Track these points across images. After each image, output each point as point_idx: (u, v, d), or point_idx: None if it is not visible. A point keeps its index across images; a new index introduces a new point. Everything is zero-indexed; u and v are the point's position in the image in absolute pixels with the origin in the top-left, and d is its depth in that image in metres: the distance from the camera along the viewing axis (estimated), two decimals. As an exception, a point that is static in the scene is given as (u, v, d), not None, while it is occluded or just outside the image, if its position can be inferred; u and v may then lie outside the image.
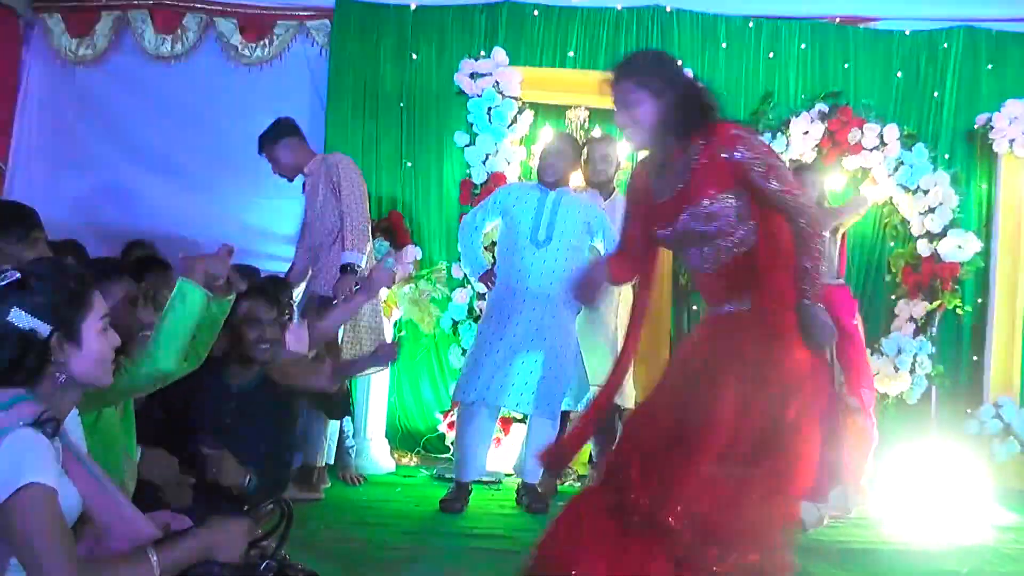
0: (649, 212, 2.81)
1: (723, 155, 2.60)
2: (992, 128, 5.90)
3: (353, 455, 4.93)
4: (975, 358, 6.01)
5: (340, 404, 4.50)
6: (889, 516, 4.69)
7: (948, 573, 3.73)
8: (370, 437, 5.13)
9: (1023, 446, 5.70)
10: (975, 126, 6.07)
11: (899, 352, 5.65)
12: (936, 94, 6.19)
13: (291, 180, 4.88)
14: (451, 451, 5.07)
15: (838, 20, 6.29)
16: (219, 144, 5.56)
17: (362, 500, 4.47)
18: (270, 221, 5.83)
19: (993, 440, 5.65)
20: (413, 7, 5.96)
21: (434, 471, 5.15)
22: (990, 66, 6.18)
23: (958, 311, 5.78)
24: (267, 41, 5.95)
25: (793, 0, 6.22)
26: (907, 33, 6.23)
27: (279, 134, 4.74)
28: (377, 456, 5.12)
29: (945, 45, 6.20)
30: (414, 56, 5.96)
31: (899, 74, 6.21)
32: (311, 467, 4.46)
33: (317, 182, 4.73)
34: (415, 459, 5.51)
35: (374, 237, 5.20)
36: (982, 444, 5.60)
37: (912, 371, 5.64)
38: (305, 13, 5.99)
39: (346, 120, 5.92)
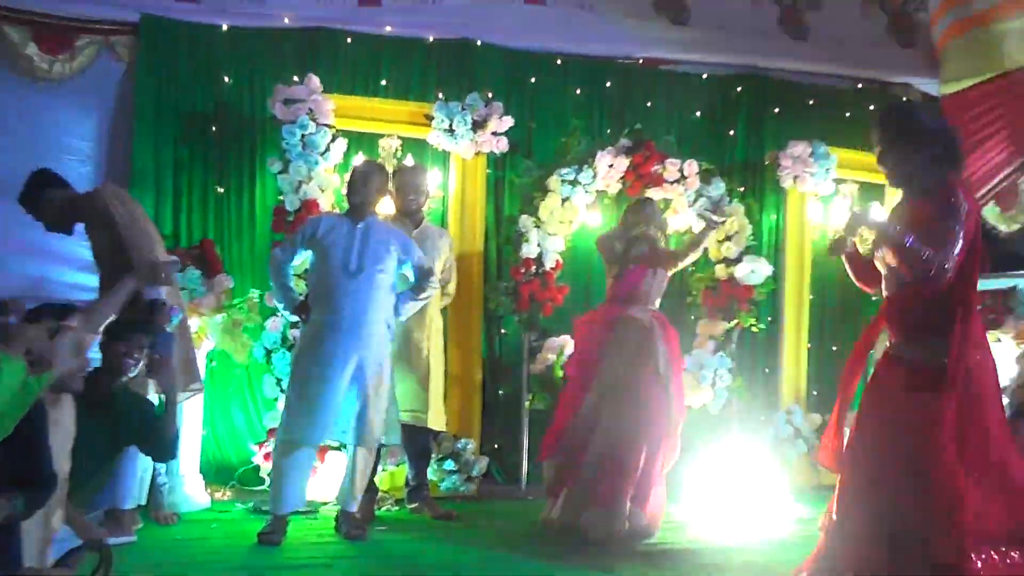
0: None
1: None
2: (779, 165, 6.47)
3: (166, 493, 4.68)
4: (768, 371, 6.56)
5: (169, 445, 4.23)
6: (696, 518, 5.06)
7: (747, 564, 4.08)
8: (183, 473, 4.89)
9: (810, 447, 6.28)
10: (765, 163, 6.63)
11: (701, 367, 6.04)
12: (731, 133, 6.76)
13: (69, 233, 4.57)
14: (267, 483, 4.95)
15: (641, 62, 6.69)
16: (13, 166, 5.00)
17: (177, 539, 4.28)
18: (71, 248, 5.38)
19: (785, 443, 6.23)
20: (224, 28, 5.83)
21: (250, 504, 5.00)
22: (776, 110, 6.82)
23: (753, 329, 6.25)
24: (68, 55, 5.63)
25: (599, 42, 6.58)
26: (704, 77, 6.79)
27: (38, 189, 4.42)
28: (191, 492, 4.90)
29: (738, 90, 6.81)
30: (226, 79, 5.83)
31: (697, 114, 6.70)
32: (119, 510, 4.18)
33: (89, 221, 4.46)
34: (230, 493, 5.32)
35: (185, 266, 5.02)
36: (776, 447, 6.17)
37: (713, 384, 6.05)
38: (109, 27, 5.71)
39: (154, 143, 5.69)
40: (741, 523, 4.95)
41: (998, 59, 6.27)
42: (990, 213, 6.89)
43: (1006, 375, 6.06)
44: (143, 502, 4.51)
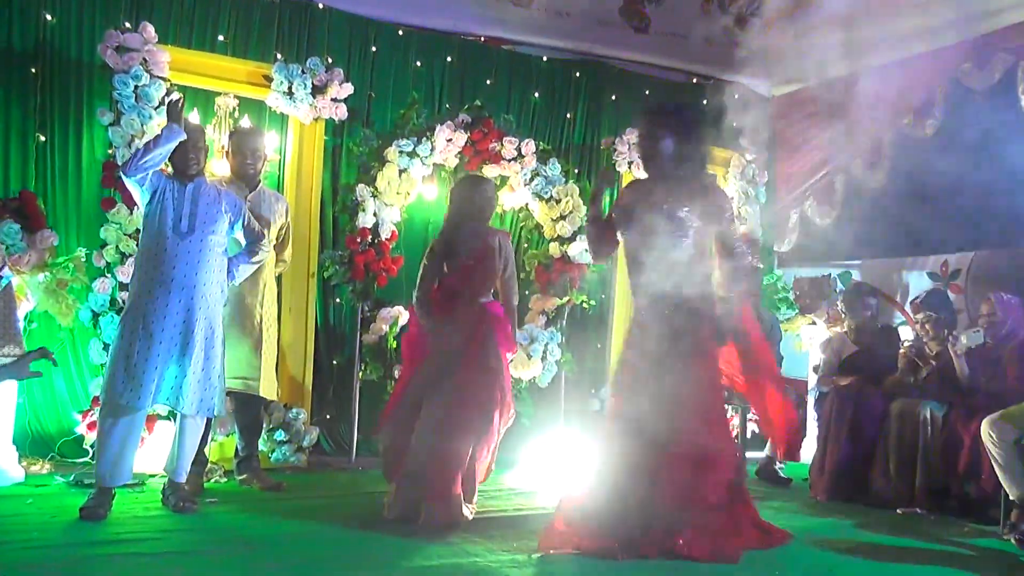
0: None
1: None
2: (615, 150, 6.71)
3: (-29, 467, 4.35)
4: (599, 346, 6.83)
5: None
6: (522, 486, 5.23)
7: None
8: (-7, 444, 4.56)
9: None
10: (601, 147, 6.86)
11: (532, 341, 6.20)
12: (569, 116, 6.95)
13: None
14: (90, 455, 4.67)
15: (483, 39, 6.74)
16: None
17: (-19, 518, 3.94)
18: None
19: (611, 415, 6.50)
20: (45, -41, 5.38)
21: (71, 477, 4.70)
22: (614, 97, 7.07)
23: (584, 305, 6.48)
24: None
25: (442, 16, 6.57)
26: (544, 60, 6.93)
27: None
28: (3, 465, 4.55)
29: (577, 75, 7.02)
30: (48, 17, 5.39)
31: (537, 94, 6.84)
32: None
33: None
34: (48, 466, 4.98)
35: (2, 218, 4.65)
36: (603, 419, 6.38)
37: (543, 358, 6.23)
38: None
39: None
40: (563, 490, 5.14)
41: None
42: (808, 208, 7.43)
43: (813, 358, 6.59)
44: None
